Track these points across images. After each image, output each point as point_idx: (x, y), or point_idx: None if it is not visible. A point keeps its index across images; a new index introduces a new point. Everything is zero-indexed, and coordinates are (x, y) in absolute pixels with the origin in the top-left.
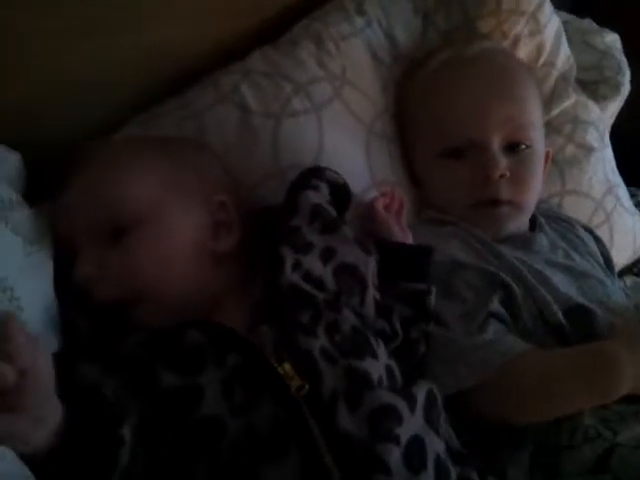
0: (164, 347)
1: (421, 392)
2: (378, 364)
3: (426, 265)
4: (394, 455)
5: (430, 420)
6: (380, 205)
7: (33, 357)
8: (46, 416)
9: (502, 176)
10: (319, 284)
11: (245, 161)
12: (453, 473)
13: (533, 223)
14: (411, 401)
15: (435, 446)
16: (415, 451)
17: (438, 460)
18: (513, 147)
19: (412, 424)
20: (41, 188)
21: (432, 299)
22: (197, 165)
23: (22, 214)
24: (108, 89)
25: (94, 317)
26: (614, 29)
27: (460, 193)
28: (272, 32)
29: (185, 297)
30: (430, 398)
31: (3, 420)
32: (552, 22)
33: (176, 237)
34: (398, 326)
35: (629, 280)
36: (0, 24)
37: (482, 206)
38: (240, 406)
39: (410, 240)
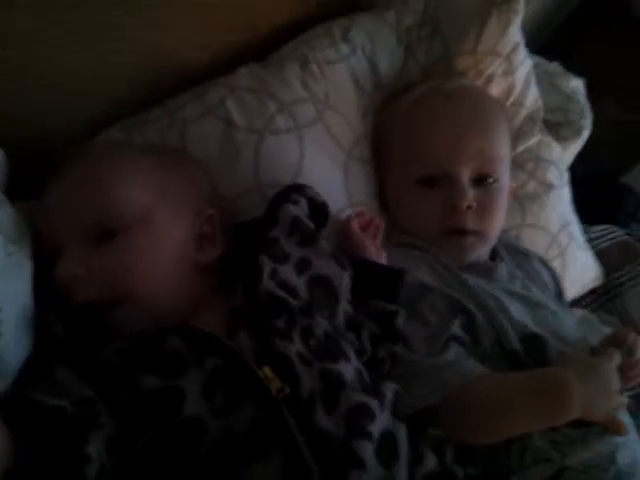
0: (144, 353)
1: (389, 390)
2: (350, 366)
3: (398, 287)
4: (368, 451)
5: (398, 415)
6: (356, 224)
7: None
8: None
9: (469, 207)
10: (293, 293)
11: (226, 174)
12: (430, 460)
13: (494, 253)
14: (381, 398)
15: (405, 438)
16: (386, 445)
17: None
18: (481, 180)
19: (382, 420)
20: (22, 186)
21: (401, 321)
22: (188, 177)
23: (4, 212)
24: (100, 94)
25: (70, 321)
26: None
27: (430, 220)
28: (264, 49)
29: (166, 303)
30: (397, 396)
31: None
32: (524, 64)
33: (164, 245)
34: (367, 342)
35: (578, 313)
36: None
37: (449, 234)
38: (221, 408)
39: (384, 261)
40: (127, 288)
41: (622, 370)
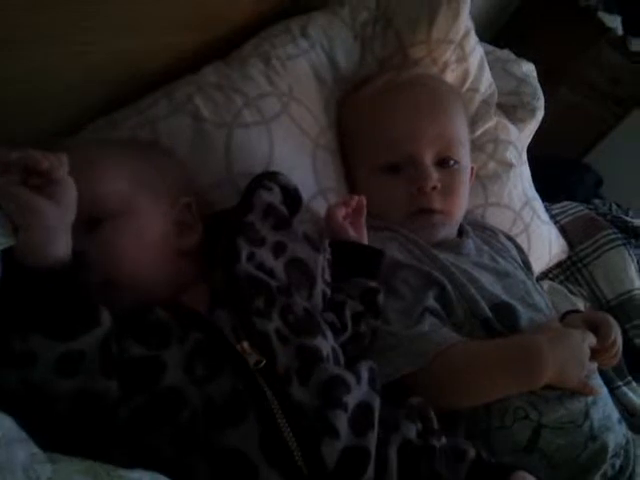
0: (131, 322)
1: (364, 368)
2: (327, 343)
3: (378, 265)
4: (342, 420)
5: (375, 388)
6: (337, 212)
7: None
8: (61, 235)
9: (434, 188)
10: (271, 274)
11: (198, 167)
12: (407, 428)
13: (460, 231)
14: (357, 375)
15: (379, 408)
16: (361, 415)
17: None
18: (443, 162)
19: (359, 392)
20: None
21: (382, 297)
22: (164, 168)
23: None
24: (67, 95)
25: None
26: (530, 59)
27: (398, 204)
28: (226, 48)
29: (150, 286)
30: (372, 373)
31: (38, 199)
32: (476, 51)
33: (146, 232)
34: (348, 320)
35: (545, 284)
36: None
37: (417, 214)
38: (201, 378)
39: (365, 241)
40: (114, 272)
41: (596, 353)
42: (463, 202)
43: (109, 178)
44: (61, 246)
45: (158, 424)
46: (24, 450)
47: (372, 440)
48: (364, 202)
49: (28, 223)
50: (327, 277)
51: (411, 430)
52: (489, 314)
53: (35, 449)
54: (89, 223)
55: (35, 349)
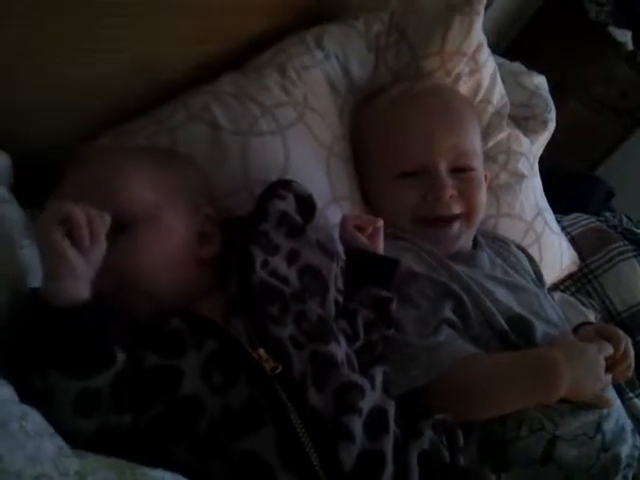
0: (148, 332)
1: (378, 373)
2: (340, 349)
3: (391, 274)
4: (357, 424)
5: (388, 393)
6: (349, 222)
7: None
8: (85, 283)
9: (451, 197)
10: (285, 281)
11: (216, 174)
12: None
13: (474, 243)
14: (371, 379)
15: (394, 414)
16: (376, 419)
17: None
18: (459, 170)
19: (373, 397)
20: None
21: (394, 306)
22: (188, 178)
23: (14, 210)
24: (88, 102)
25: None
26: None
27: (412, 209)
28: (241, 59)
29: (170, 291)
30: (386, 377)
31: (74, 254)
32: (489, 63)
33: (169, 240)
34: (360, 329)
35: (557, 296)
36: None
37: (434, 225)
38: (218, 386)
39: (380, 251)
40: (136, 278)
41: (610, 366)
42: (482, 207)
43: (133, 185)
44: (83, 290)
45: (177, 432)
46: (52, 443)
47: (387, 444)
48: (381, 225)
49: (58, 272)
50: (340, 285)
51: (435, 442)
52: (505, 326)
53: (62, 443)
54: (113, 227)
55: (54, 387)
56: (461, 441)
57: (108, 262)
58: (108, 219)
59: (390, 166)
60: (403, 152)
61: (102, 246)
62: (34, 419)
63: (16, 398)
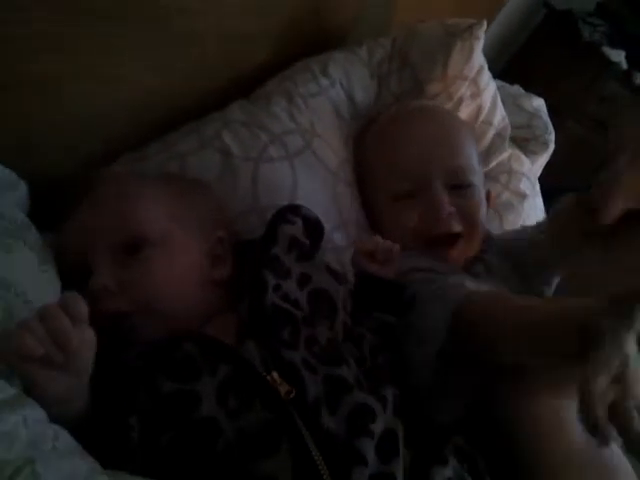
0: (161, 358)
1: (389, 393)
2: (351, 371)
3: (396, 299)
4: (369, 448)
5: (398, 415)
6: (359, 247)
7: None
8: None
9: (450, 214)
10: (296, 305)
11: (226, 199)
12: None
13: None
14: (383, 400)
15: (402, 435)
16: (387, 442)
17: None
18: (456, 187)
19: (384, 419)
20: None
21: (399, 332)
22: (201, 202)
23: (33, 235)
24: (101, 127)
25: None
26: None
27: (412, 230)
28: (249, 86)
29: (185, 313)
30: (396, 398)
31: (45, 376)
32: (490, 86)
33: (182, 263)
34: (367, 352)
35: None
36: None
37: (435, 245)
38: (233, 411)
39: (391, 275)
40: (151, 300)
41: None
42: (482, 221)
43: (147, 208)
44: (80, 393)
45: (193, 456)
46: (85, 462)
47: (398, 467)
48: (397, 250)
49: (39, 394)
50: (349, 307)
51: (458, 471)
52: None
53: (93, 462)
54: (127, 251)
55: None
56: (481, 465)
57: (124, 284)
58: (84, 308)
59: (388, 187)
60: (399, 172)
61: (82, 337)
62: (65, 439)
63: (47, 419)
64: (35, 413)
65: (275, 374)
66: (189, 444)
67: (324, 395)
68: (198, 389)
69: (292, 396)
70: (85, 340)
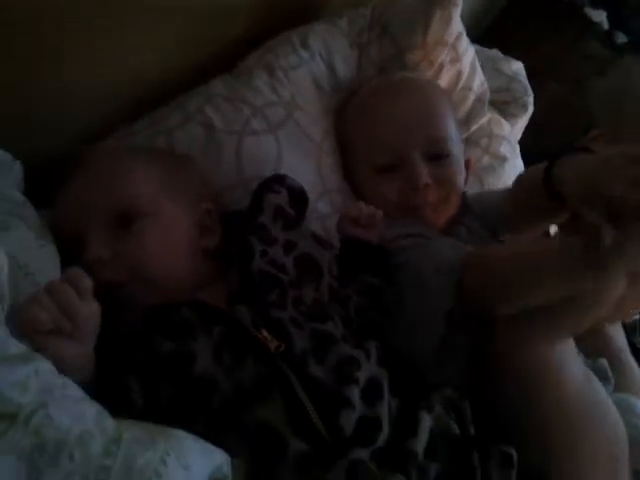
0: (160, 322)
1: (372, 347)
2: (337, 328)
3: (381, 262)
4: (355, 393)
5: (382, 365)
6: (344, 213)
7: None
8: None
9: (427, 185)
10: (282, 269)
11: (211, 172)
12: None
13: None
14: (366, 352)
15: (387, 382)
16: (372, 388)
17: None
18: (434, 157)
19: (368, 368)
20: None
21: (388, 295)
22: (189, 176)
23: (29, 211)
24: (92, 107)
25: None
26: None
27: (395, 203)
28: (231, 60)
29: (177, 282)
30: (379, 351)
31: (57, 346)
32: (468, 51)
33: (173, 232)
34: (352, 313)
35: None
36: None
37: (411, 211)
38: (228, 366)
39: (376, 240)
40: (145, 270)
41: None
42: (460, 188)
43: (139, 181)
44: (86, 362)
45: (193, 410)
46: (92, 407)
47: (383, 411)
48: (380, 216)
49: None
50: (334, 271)
51: (442, 416)
52: None
53: (100, 407)
54: (120, 223)
55: None
56: (469, 413)
57: (119, 256)
58: (89, 282)
59: (369, 159)
60: (379, 145)
61: (89, 309)
62: (73, 388)
63: (56, 371)
64: (45, 365)
65: (265, 331)
66: (188, 399)
67: (311, 347)
68: (195, 348)
69: (281, 350)
70: (92, 311)
